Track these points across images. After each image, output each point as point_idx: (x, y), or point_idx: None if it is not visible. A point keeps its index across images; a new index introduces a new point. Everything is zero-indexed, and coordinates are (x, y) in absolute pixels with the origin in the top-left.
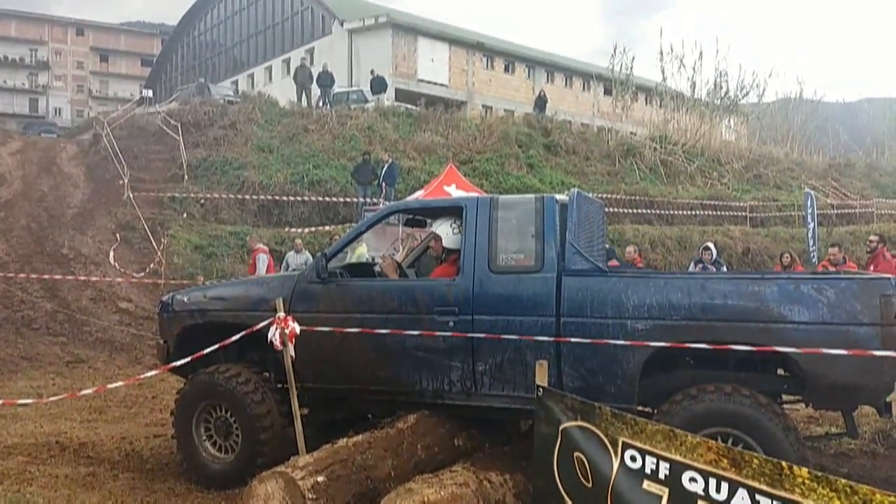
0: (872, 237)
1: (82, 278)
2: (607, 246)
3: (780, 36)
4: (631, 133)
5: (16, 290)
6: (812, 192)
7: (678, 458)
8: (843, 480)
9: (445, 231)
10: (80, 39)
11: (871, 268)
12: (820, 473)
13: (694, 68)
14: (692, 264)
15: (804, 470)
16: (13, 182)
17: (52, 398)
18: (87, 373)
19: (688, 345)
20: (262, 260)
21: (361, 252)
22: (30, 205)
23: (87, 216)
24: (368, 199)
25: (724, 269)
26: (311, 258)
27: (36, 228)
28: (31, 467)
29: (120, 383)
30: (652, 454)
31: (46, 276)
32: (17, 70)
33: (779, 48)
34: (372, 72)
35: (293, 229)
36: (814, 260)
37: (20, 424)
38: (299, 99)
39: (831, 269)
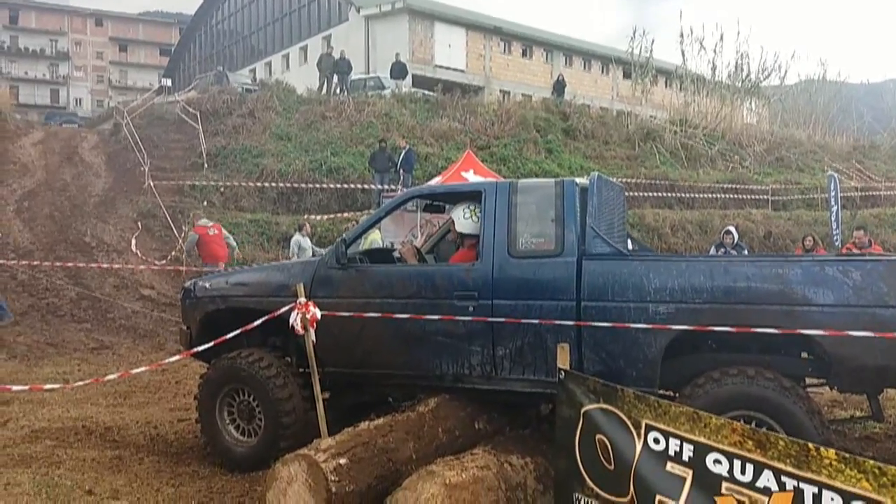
0: (858, 232)
1: (105, 266)
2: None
3: (803, 16)
4: (651, 117)
5: (41, 278)
6: (835, 175)
7: (702, 440)
8: (872, 462)
9: (458, 215)
10: (100, 30)
11: None
12: (847, 455)
13: (715, 50)
14: (713, 248)
15: (831, 451)
16: (36, 172)
17: (77, 383)
18: (112, 359)
19: (710, 328)
20: (190, 238)
21: (374, 238)
22: (52, 194)
23: (109, 204)
24: (386, 186)
25: (746, 252)
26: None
27: (59, 217)
28: (59, 451)
29: (144, 368)
30: (675, 436)
31: (70, 264)
32: (37, 61)
33: (802, 29)
34: (396, 55)
35: (312, 216)
36: (837, 243)
37: (47, 409)
38: (321, 87)
39: (856, 252)
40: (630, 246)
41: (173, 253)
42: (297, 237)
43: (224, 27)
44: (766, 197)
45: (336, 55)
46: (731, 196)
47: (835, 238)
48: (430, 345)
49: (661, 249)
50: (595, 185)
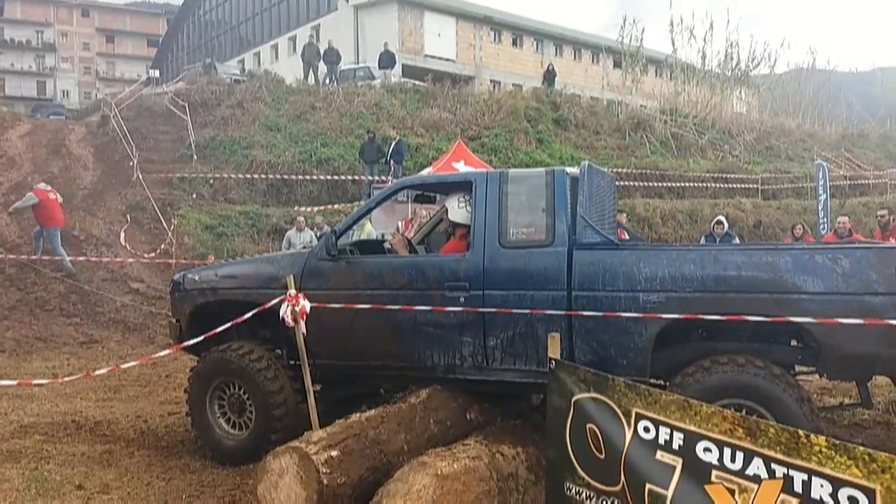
0: (881, 211)
1: (94, 259)
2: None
3: (792, 4)
4: (641, 106)
5: (29, 272)
6: (824, 164)
7: (692, 428)
8: (862, 448)
9: (452, 204)
10: (86, 20)
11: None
12: (837, 441)
13: (705, 39)
14: (702, 238)
15: (821, 438)
16: (23, 164)
17: (67, 378)
18: (101, 353)
19: (700, 316)
20: (27, 198)
21: (370, 230)
22: None
23: (98, 197)
24: (376, 177)
25: (736, 241)
26: (314, 237)
27: None
28: (48, 445)
29: (134, 363)
30: (665, 425)
31: (59, 258)
32: (23, 52)
33: (791, 17)
34: (385, 45)
35: (302, 208)
36: (824, 232)
37: (36, 404)
38: (306, 77)
39: (836, 240)
40: (625, 235)
41: (162, 246)
42: (289, 233)
43: (212, 17)
44: (755, 186)
45: (324, 45)
46: (721, 185)
47: (821, 227)
48: (422, 336)
49: (652, 239)
50: (586, 175)
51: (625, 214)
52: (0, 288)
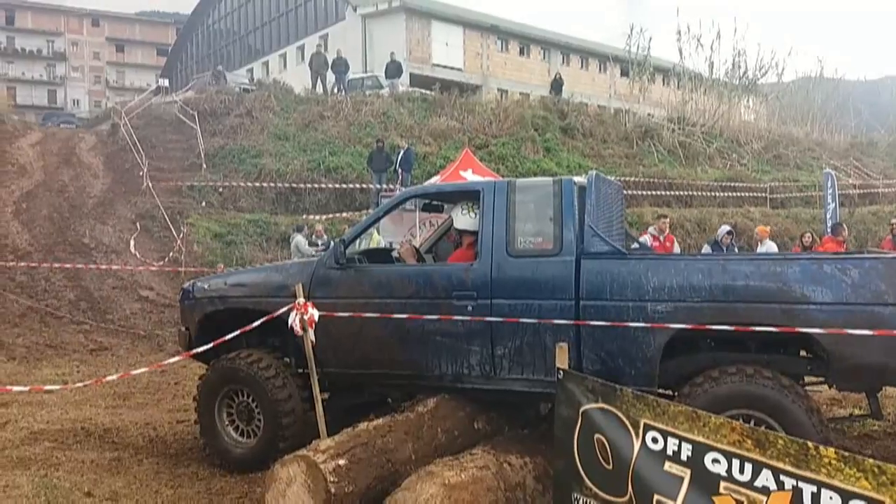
0: (894, 220)
1: (104, 267)
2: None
3: (800, 13)
4: (648, 115)
5: (39, 280)
6: (832, 173)
7: (701, 439)
8: (871, 460)
9: (456, 212)
10: (96, 30)
11: None
12: (847, 453)
13: (712, 48)
14: (706, 246)
15: (831, 450)
16: (34, 173)
17: (77, 385)
18: (111, 360)
19: (709, 326)
20: None
21: (378, 239)
22: (51, 195)
23: (108, 206)
24: (384, 186)
25: (737, 251)
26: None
27: (57, 218)
28: (58, 452)
29: (143, 370)
30: (674, 436)
31: (69, 266)
32: (34, 62)
33: (799, 26)
34: (391, 55)
35: (311, 216)
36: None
37: (46, 411)
38: (314, 86)
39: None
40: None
41: (171, 254)
42: (297, 238)
43: (221, 27)
44: (764, 195)
45: (332, 54)
46: (730, 194)
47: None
48: (429, 345)
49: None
50: (593, 184)
51: (668, 220)
52: (11, 295)
